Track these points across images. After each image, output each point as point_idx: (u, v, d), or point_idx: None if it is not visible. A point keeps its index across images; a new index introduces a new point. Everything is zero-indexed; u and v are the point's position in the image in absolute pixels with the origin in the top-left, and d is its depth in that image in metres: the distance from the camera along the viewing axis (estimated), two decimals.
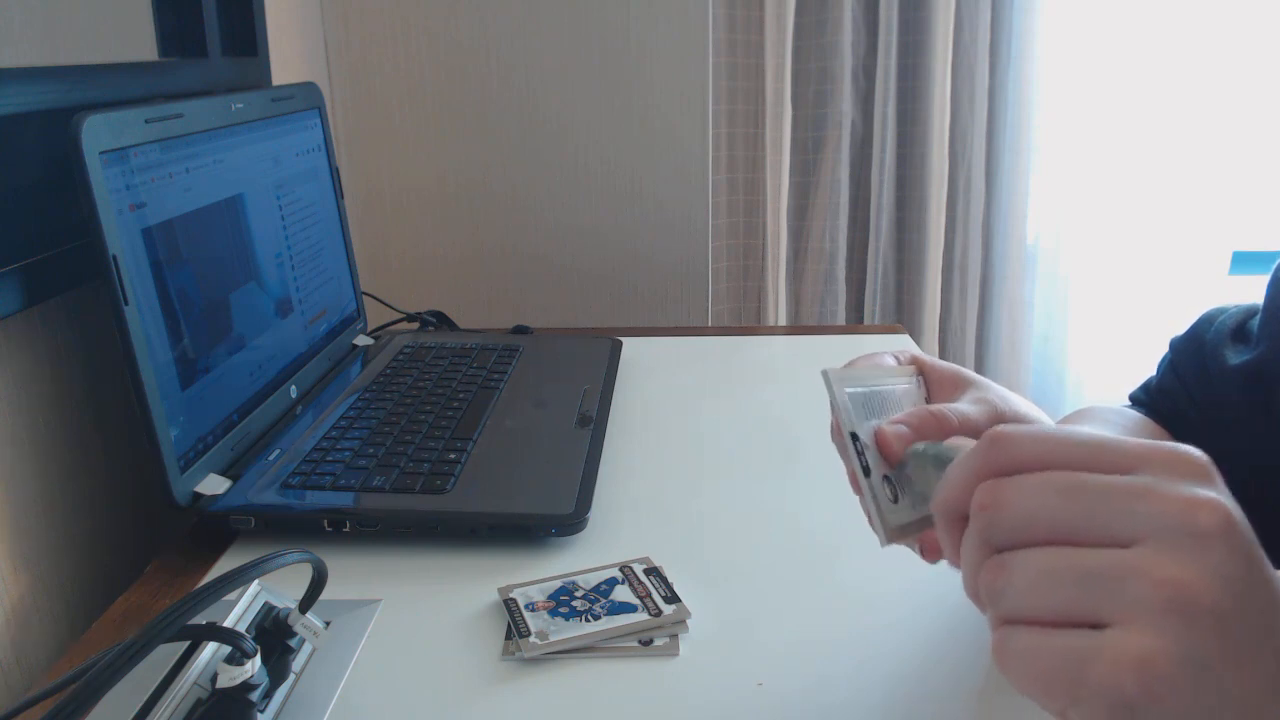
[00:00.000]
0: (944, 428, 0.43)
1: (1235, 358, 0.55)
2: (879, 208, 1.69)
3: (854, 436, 0.42)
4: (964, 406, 0.45)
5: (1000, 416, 0.45)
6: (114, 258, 0.59)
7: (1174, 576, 0.27)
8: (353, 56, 1.25)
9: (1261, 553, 0.29)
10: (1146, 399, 0.60)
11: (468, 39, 1.24)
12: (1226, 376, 0.55)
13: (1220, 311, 0.59)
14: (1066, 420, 0.62)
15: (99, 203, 0.59)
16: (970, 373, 0.49)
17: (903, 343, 1.05)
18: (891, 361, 0.50)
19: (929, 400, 0.49)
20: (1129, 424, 0.58)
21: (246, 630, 0.48)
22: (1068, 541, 0.29)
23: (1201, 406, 0.56)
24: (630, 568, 0.60)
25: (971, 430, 0.44)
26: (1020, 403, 0.47)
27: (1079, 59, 1.67)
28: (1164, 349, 0.61)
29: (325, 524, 0.65)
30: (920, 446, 0.42)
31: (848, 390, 0.43)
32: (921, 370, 0.49)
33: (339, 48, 1.24)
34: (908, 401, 0.47)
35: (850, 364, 0.48)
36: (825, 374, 0.43)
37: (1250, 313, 0.57)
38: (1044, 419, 0.48)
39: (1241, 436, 0.54)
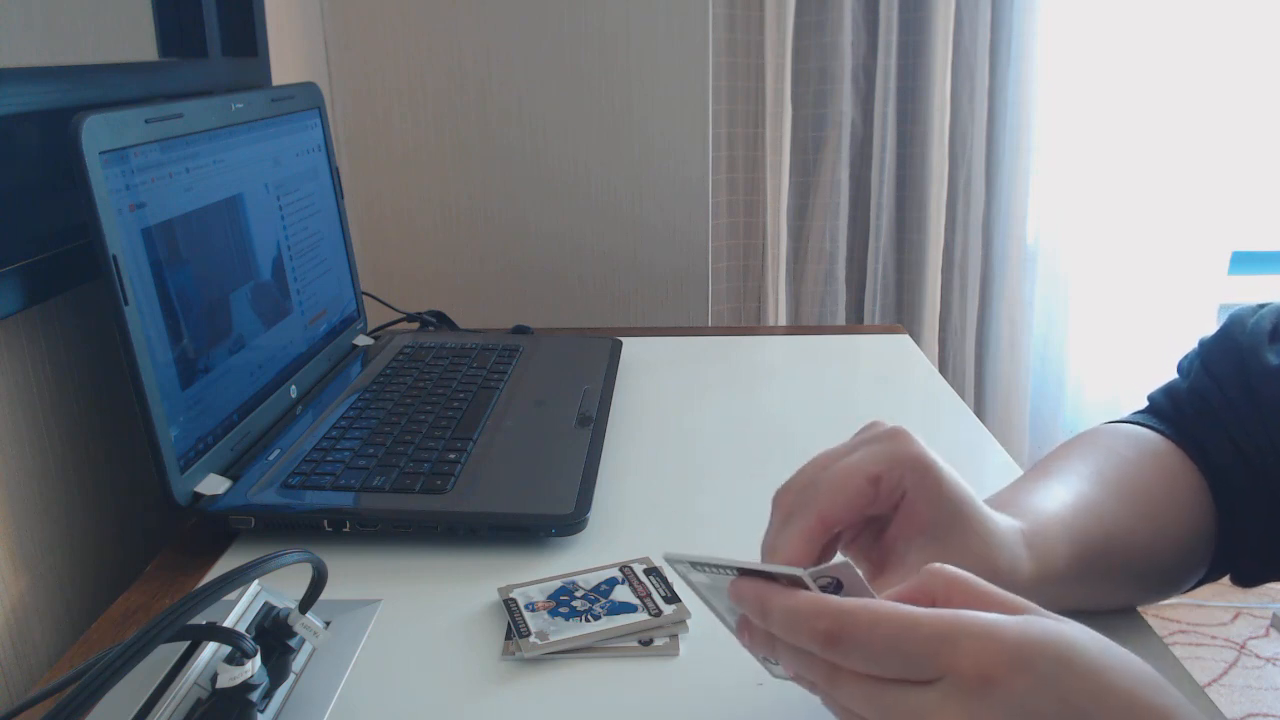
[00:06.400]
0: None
1: (1276, 358, 0.55)
2: (879, 208, 1.69)
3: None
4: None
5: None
6: (114, 258, 0.59)
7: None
8: (353, 56, 1.25)
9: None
10: (1170, 403, 0.60)
11: (467, 39, 1.24)
12: (1269, 376, 0.55)
13: (1250, 313, 0.59)
14: (1071, 445, 0.59)
15: (99, 203, 0.59)
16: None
17: (902, 343, 1.05)
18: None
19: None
20: (1143, 462, 0.56)
21: (246, 630, 0.48)
22: None
23: (1238, 406, 0.56)
24: (630, 568, 0.60)
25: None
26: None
27: (1079, 59, 1.67)
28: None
29: (325, 524, 0.65)
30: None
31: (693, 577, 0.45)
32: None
33: (339, 48, 1.24)
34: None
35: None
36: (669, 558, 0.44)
37: None
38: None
39: None
